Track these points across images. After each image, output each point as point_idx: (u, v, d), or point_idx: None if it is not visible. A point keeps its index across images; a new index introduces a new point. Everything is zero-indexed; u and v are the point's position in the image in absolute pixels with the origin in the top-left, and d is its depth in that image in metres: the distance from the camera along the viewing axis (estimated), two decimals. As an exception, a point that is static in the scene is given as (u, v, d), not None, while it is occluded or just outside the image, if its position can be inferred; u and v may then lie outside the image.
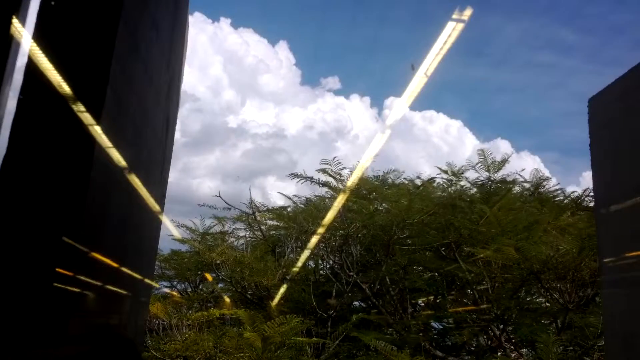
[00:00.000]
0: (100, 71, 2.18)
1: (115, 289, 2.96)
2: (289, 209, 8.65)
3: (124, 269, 3.03)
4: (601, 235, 2.66)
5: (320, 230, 7.04)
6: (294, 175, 7.15)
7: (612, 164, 2.50)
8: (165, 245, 8.64)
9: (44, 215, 2.01)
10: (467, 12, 3.89)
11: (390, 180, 8.29)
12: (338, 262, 7.23)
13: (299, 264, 7.55)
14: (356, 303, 8.12)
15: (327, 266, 8.08)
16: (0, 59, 1.90)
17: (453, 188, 7.83)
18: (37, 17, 2.11)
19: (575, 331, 5.62)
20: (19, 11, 1.99)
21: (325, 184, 7.22)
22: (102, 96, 2.15)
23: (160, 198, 4.08)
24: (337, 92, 32.14)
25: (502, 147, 23.35)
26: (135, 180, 2.99)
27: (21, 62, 2.02)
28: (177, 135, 4.69)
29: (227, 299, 8.35)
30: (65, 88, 2.09)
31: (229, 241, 8.80)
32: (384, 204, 7.54)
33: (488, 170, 7.16)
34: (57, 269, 1.97)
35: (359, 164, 6.62)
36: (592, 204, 6.73)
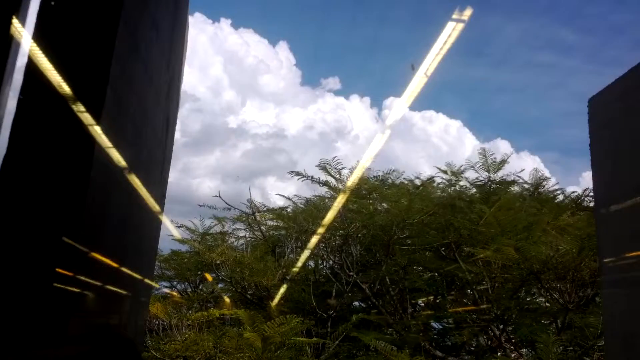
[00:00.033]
0: (100, 71, 2.18)
1: (115, 289, 2.95)
2: (288, 209, 8.66)
3: (124, 269, 3.03)
4: (601, 235, 2.66)
5: (320, 230, 7.04)
6: (295, 173, 7.15)
7: (612, 164, 2.50)
8: (165, 246, 8.65)
9: (44, 215, 2.01)
10: (467, 12, 3.89)
11: (390, 180, 8.29)
12: (338, 262, 7.23)
13: (299, 264, 7.55)
14: (356, 303, 8.12)
15: (327, 266, 8.08)
16: (1, 59, 1.90)
17: (453, 188, 7.83)
18: (37, 17, 2.11)
19: (575, 331, 5.62)
20: (19, 11, 1.99)
21: (325, 184, 7.22)
22: (102, 96, 2.15)
23: (160, 198, 4.08)
24: (337, 93, 32.18)
25: (502, 147, 23.38)
26: (135, 180, 2.99)
27: (21, 62, 2.03)
28: (177, 135, 4.70)
29: (227, 299, 8.35)
30: (65, 88, 2.09)
31: (229, 241, 8.80)
32: (383, 204, 7.54)
33: (488, 171, 7.16)
34: (57, 269, 1.97)
35: (359, 164, 6.62)
36: (592, 204, 6.73)
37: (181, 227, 8.74)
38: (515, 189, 8.04)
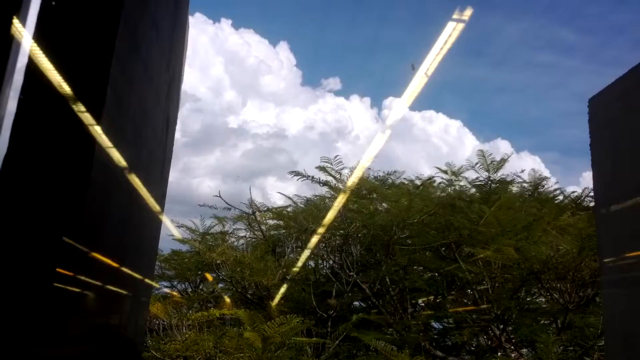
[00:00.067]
0: (100, 71, 2.18)
1: (115, 289, 2.96)
2: (289, 209, 8.66)
3: (124, 269, 3.03)
4: (601, 235, 2.66)
5: (321, 230, 7.04)
6: (295, 173, 7.15)
7: (612, 164, 2.50)
8: (165, 245, 8.65)
9: (44, 215, 2.01)
10: (467, 12, 3.89)
11: (390, 180, 8.29)
12: (338, 262, 7.23)
13: (299, 263, 7.55)
14: (356, 303, 8.12)
15: (327, 266, 8.08)
16: (1, 59, 1.90)
17: (452, 188, 7.83)
18: (37, 17, 2.11)
19: (575, 331, 5.61)
20: (19, 11, 1.99)
21: (325, 184, 7.22)
22: (102, 96, 2.15)
23: (161, 198, 4.08)
24: (337, 93, 32.19)
25: (502, 147, 23.39)
26: (135, 180, 2.99)
27: (21, 62, 2.03)
28: (178, 135, 4.70)
29: (227, 299, 8.35)
30: (66, 88, 2.09)
31: (229, 241, 8.81)
32: (384, 204, 7.54)
33: (487, 171, 7.16)
34: (57, 269, 1.97)
35: (359, 164, 6.62)
36: (592, 204, 6.73)
37: (181, 227, 8.76)
38: (514, 189, 8.04)
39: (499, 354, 5.96)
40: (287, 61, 33.62)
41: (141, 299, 3.91)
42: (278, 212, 8.59)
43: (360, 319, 6.55)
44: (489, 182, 7.24)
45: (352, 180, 6.73)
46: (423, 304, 7.82)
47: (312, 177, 7.08)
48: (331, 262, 7.64)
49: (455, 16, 3.91)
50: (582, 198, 7.57)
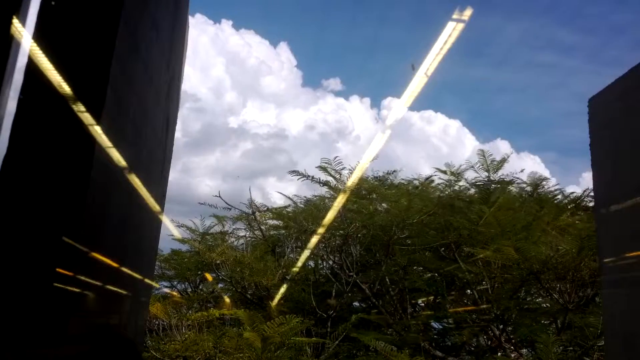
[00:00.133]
0: (100, 71, 2.18)
1: (115, 289, 2.95)
2: (289, 209, 8.65)
3: (124, 269, 3.03)
4: (601, 235, 2.66)
5: (320, 230, 7.04)
6: (295, 173, 7.14)
7: (612, 164, 2.50)
8: (165, 245, 8.65)
9: (44, 215, 2.01)
10: (467, 12, 3.89)
11: (390, 180, 8.29)
12: (338, 262, 7.23)
13: (299, 264, 7.55)
14: (356, 303, 8.11)
15: (327, 266, 8.08)
16: (1, 59, 1.90)
17: (452, 188, 7.83)
18: (37, 17, 2.11)
19: (575, 331, 5.61)
20: (19, 11, 1.99)
21: (325, 184, 7.22)
22: (102, 96, 2.15)
23: (161, 198, 4.08)
24: (338, 94, 32.21)
25: (501, 147, 23.39)
26: (135, 180, 2.99)
27: (21, 62, 2.03)
28: (178, 135, 4.70)
29: (227, 299, 8.35)
30: (66, 88, 2.09)
31: (229, 241, 8.80)
32: (383, 204, 7.54)
33: (487, 171, 7.16)
34: (57, 269, 1.97)
35: (359, 164, 6.62)
36: (591, 204, 6.73)
37: (181, 226, 8.76)
38: (514, 189, 8.04)
39: (499, 354, 5.96)
40: (287, 62, 33.67)
41: (141, 299, 3.91)
42: (278, 212, 8.59)
43: (360, 319, 6.55)
44: (489, 183, 7.24)
45: (351, 181, 6.73)
46: (423, 304, 7.82)
47: (312, 177, 7.09)
48: (331, 262, 7.64)
49: (455, 16, 3.91)
50: (582, 198, 7.58)
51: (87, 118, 2.10)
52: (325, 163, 6.92)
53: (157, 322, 6.74)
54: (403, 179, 8.23)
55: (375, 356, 5.52)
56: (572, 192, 7.97)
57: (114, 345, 2.56)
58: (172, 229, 8.40)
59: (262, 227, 8.64)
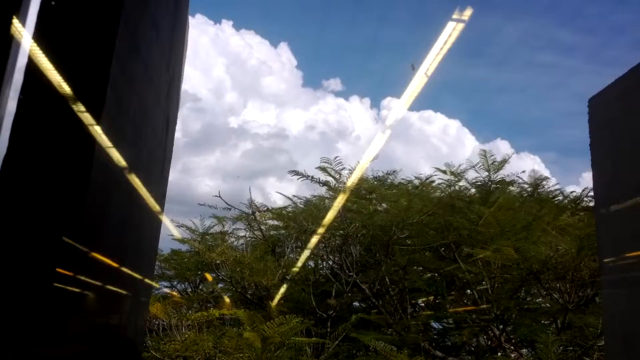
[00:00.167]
0: (100, 71, 2.18)
1: (115, 289, 2.95)
2: (288, 209, 8.66)
3: (124, 269, 3.03)
4: (601, 235, 2.66)
5: (320, 230, 7.04)
6: (294, 173, 7.14)
7: (612, 164, 2.50)
8: (165, 245, 8.65)
9: (44, 215, 2.01)
10: (467, 12, 3.89)
11: (389, 180, 8.29)
12: (338, 262, 7.23)
13: (299, 264, 7.55)
14: (356, 303, 8.11)
15: (327, 266, 8.08)
16: (1, 59, 1.90)
17: (452, 188, 7.82)
18: (37, 17, 2.11)
19: (575, 331, 5.61)
20: (19, 11, 1.99)
21: (325, 184, 7.22)
22: (102, 96, 2.15)
23: (161, 198, 4.08)
24: (338, 94, 32.22)
25: (501, 147, 23.39)
26: (135, 180, 2.99)
27: (21, 62, 2.03)
28: (178, 135, 4.70)
29: (227, 299, 8.35)
30: (65, 88, 2.09)
31: (229, 241, 8.80)
32: (383, 204, 7.54)
33: (488, 171, 7.16)
34: (57, 269, 1.97)
35: (359, 164, 6.62)
36: (591, 204, 6.74)
37: (181, 226, 8.76)
38: (514, 189, 8.04)
39: (499, 354, 5.96)
40: (288, 62, 33.69)
41: (141, 299, 3.91)
42: (278, 213, 8.59)
43: (360, 319, 6.55)
44: (489, 183, 7.24)
45: (351, 181, 6.73)
46: (423, 304, 7.82)
47: (312, 177, 7.09)
48: (331, 262, 7.64)
49: (455, 16, 3.91)
50: (582, 198, 7.58)
51: (87, 118, 2.10)
52: (325, 163, 6.92)
53: (157, 322, 6.74)
54: (403, 179, 8.24)
55: (375, 356, 5.52)
56: (572, 192, 7.97)
57: (114, 345, 2.56)
58: (172, 229, 8.40)
59: (262, 227, 8.64)
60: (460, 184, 7.70)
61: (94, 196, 2.16)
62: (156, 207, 3.84)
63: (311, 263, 8.10)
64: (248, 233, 9.05)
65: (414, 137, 25.74)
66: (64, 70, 2.09)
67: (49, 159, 2.07)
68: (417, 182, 8.03)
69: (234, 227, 9.12)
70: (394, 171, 8.24)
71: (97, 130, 2.13)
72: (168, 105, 4.00)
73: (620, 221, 2.43)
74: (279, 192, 12.90)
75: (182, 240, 8.51)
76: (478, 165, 7.15)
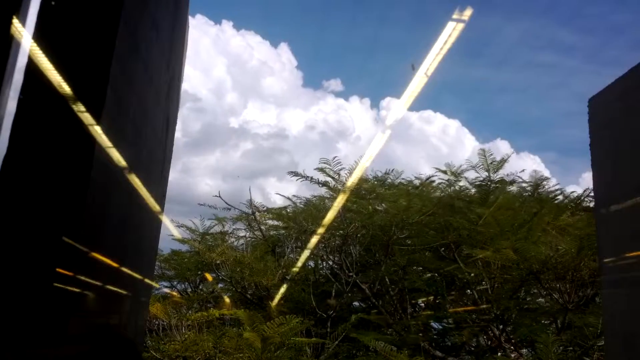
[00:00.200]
0: (100, 71, 2.18)
1: (115, 289, 2.95)
2: (288, 209, 8.65)
3: (124, 269, 3.02)
4: (601, 235, 2.66)
5: (320, 230, 7.04)
6: (294, 174, 7.14)
7: (612, 164, 2.50)
8: (165, 245, 8.65)
9: (44, 215, 2.01)
10: (467, 12, 3.89)
11: (389, 180, 8.28)
12: (337, 262, 7.23)
13: (299, 264, 7.55)
14: (356, 303, 8.11)
15: (327, 266, 8.07)
16: (1, 59, 1.90)
17: (452, 188, 7.82)
18: (37, 17, 2.11)
19: (574, 331, 5.61)
20: (19, 11, 1.99)
21: (324, 184, 7.22)
22: (102, 96, 2.15)
23: (161, 198, 4.08)
24: (338, 94, 32.24)
25: (501, 147, 23.36)
26: (135, 180, 2.99)
27: (21, 62, 2.03)
28: (178, 135, 4.70)
29: (227, 299, 8.35)
30: (65, 88, 2.09)
31: (229, 241, 8.80)
32: (383, 204, 7.54)
33: (488, 171, 7.15)
34: (57, 269, 1.97)
35: (358, 164, 6.61)
36: (591, 204, 6.73)
37: (181, 227, 8.75)
38: (514, 189, 8.04)
39: (499, 354, 5.96)
40: (288, 63, 33.71)
41: (141, 299, 3.91)
42: (277, 213, 8.59)
43: (360, 319, 6.55)
44: (489, 183, 7.24)
45: (351, 181, 6.73)
46: (423, 304, 7.82)
47: (311, 178, 7.08)
48: (330, 262, 7.64)
49: (455, 16, 3.91)
50: (582, 198, 7.57)
51: (87, 118, 2.10)
52: (324, 164, 6.92)
53: (157, 322, 6.74)
54: (403, 179, 8.23)
55: (375, 356, 5.52)
56: (573, 192, 7.97)
57: (114, 345, 2.56)
58: (172, 229, 8.40)
59: (262, 227, 8.64)
60: (460, 184, 7.71)
61: (94, 196, 2.16)
62: (156, 207, 3.84)
63: (311, 263, 8.10)
64: (248, 233, 9.06)
65: (413, 137, 25.75)
66: (64, 70, 2.09)
67: (49, 159, 2.07)
68: (416, 182, 8.04)
69: (234, 227, 9.13)
70: (392, 170, 8.24)
71: (97, 130, 2.13)
72: (168, 105, 4.00)
73: (620, 221, 2.43)
74: (278, 193, 12.88)
75: (182, 241, 8.51)
76: (478, 166, 7.15)
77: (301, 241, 7.94)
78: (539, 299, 6.66)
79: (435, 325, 7.53)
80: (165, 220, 5.97)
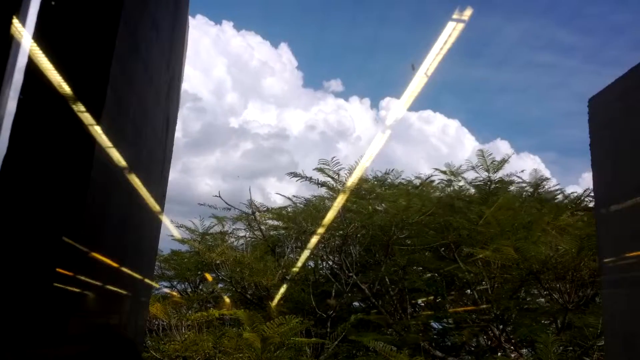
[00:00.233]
0: (100, 71, 2.18)
1: (115, 289, 2.95)
2: (288, 209, 8.65)
3: (124, 269, 3.02)
4: (601, 235, 2.66)
5: (320, 230, 7.04)
6: (293, 174, 7.14)
7: (612, 164, 2.50)
8: (165, 245, 8.65)
9: (44, 215, 2.01)
10: (467, 12, 3.89)
11: (389, 180, 8.29)
12: (337, 263, 7.23)
13: (299, 264, 7.55)
14: (356, 303, 8.11)
15: (327, 266, 8.07)
16: (1, 59, 1.90)
17: (452, 188, 7.83)
18: (37, 17, 2.11)
19: (574, 331, 5.62)
20: (19, 11, 1.99)
21: (323, 184, 7.21)
22: (102, 96, 2.15)
23: (161, 198, 4.08)
24: (338, 95, 32.24)
25: (501, 147, 23.35)
26: (135, 180, 2.99)
27: (21, 62, 2.03)
28: (178, 135, 4.70)
29: (227, 299, 8.35)
30: (65, 88, 2.09)
31: (229, 241, 8.80)
32: (383, 204, 7.54)
33: (487, 171, 7.16)
34: (57, 269, 1.97)
35: (358, 164, 6.61)
36: (591, 204, 6.73)
37: (181, 227, 8.75)
38: (514, 189, 8.04)
39: (499, 354, 5.96)
40: (288, 63, 33.71)
41: (141, 299, 3.91)
42: (277, 213, 8.59)
43: (360, 319, 6.55)
44: (489, 183, 7.24)
45: (350, 181, 6.73)
46: (422, 304, 7.82)
47: (310, 178, 7.08)
48: (330, 262, 7.64)
49: (455, 16, 3.91)
50: (582, 198, 7.58)
51: (87, 118, 2.10)
52: (323, 164, 6.91)
53: (157, 322, 6.75)
54: (403, 179, 8.24)
55: (375, 356, 5.51)
56: (573, 192, 7.97)
57: (114, 345, 2.56)
58: (172, 229, 8.40)
59: (262, 227, 8.64)
60: (460, 183, 7.71)
61: (94, 196, 2.16)
62: (156, 207, 3.84)
63: (311, 263, 8.10)
64: (248, 233, 9.06)
65: (413, 137, 25.75)
66: (64, 70, 2.09)
67: (49, 159, 2.07)
68: (416, 182, 8.04)
69: (233, 227, 9.13)
70: (392, 170, 8.25)
71: (97, 130, 2.13)
72: (168, 105, 4.00)
73: (620, 221, 2.43)
74: (278, 193, 12.88)
75: (182, 241, 8.51)
76: (478, 166, 7.15)
77: (301, 241, 7.94)
78: (539, 299, 6.66)
79: (435, 325, 7.53)
80: (165, 220, 5.98)
